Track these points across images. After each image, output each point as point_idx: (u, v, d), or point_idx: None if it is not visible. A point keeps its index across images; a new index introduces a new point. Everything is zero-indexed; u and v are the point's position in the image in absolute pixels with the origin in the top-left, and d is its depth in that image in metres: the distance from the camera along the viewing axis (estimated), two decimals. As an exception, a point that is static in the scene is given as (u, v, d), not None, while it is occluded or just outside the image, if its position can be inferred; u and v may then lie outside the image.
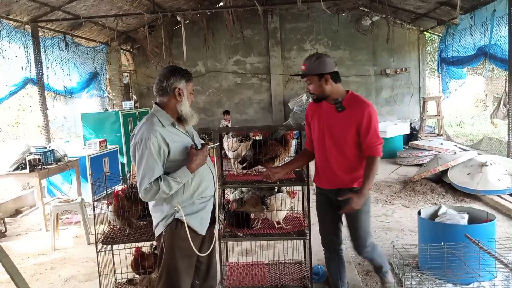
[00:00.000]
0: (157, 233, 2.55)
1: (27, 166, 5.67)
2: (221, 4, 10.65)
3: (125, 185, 3.43)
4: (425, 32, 11.50)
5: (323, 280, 3.64)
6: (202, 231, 2.52)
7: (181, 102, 2.47)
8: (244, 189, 3.53)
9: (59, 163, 6.24)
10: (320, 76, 2.72)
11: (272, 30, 11.65)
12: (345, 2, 10.35)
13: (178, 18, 9.44)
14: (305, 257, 3.73)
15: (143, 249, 3.37)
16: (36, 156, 5.76)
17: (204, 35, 11.45)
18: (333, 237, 3.05)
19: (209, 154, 2.71)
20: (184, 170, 2.38)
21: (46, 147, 6.33)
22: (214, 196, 2.62)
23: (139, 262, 3.25)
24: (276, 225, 3.44)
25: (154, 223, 2.57)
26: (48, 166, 5.98)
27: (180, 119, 2.54)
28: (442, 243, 2.90)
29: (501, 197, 5.70)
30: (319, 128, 2.87)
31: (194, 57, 11.67)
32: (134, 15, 8.73)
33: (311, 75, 2.74)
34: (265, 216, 3.50)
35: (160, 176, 2.36)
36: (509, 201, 5.53)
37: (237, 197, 3.49)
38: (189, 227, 2.44)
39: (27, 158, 5.69)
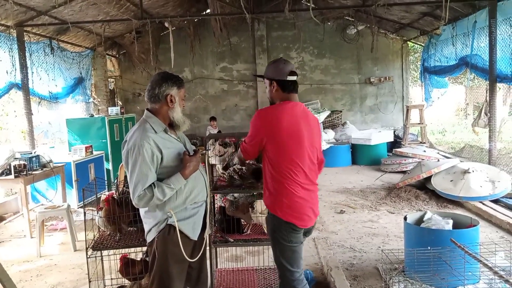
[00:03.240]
0: (149, 239, 2.55)
1: (12, 172, 5.58)
2: (208, 11, 10.70)
3: (115, 191, 3.42)
4: (408, 42, 11.76)
5: (312, 285, 3.68)
6: (195, 236, 2.54)
7: (174, 109, 2.49)
8: (235, 195, 3.56)
9: (44, 169, 6.16)
10: (270, 81, 2.72)
11: (258, 38, 11.75)
12: (331, 12, 10.52)
13: (166, 24, 9.44)
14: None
15: (132, 256, 3.35)
16: (21, 162, 5.68)
17: (191, 42, 11.47)
18: None
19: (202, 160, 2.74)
20: (177, 176, 2.40)
21: (31, 153, 6.24)
22: (205, 201, 2.64)
23: (129, 268, 3.23)
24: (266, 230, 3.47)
25: (146, 229, 2.57)
26: (33, 172, 5.89)
27: (171, 125, 2.56)
28: (429, 248, 2.98)
29: (483, 204, 5.84)
30: None
31: (181, 63, 11.67)
32: (121, 21, 8.70)
33: (266, 78, 2.75)
34: (255, 222, 3.53)
35: (153, 183, 2.36)
36: (491, 207, 5.67)
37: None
38: (181, 232, 2.46)
39: (12, 164, 5.61)
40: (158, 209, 2.46)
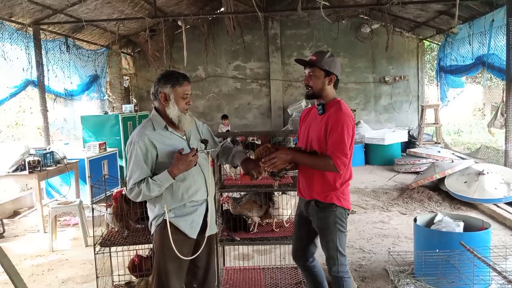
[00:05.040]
0: (151, 232, 2.60)
1: (27, 168, 5.69)
2: (222, 9, 10.72)
3: (123, 188, 3.46)
4: (424, 41, 11.59)
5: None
6: (193, 234, 2.53)
7: (168, 107, 2.49)
8: (241, 193, 3.56)
9: (58, 165, 6.26)
10: (327, 73, 2.66)
11: (272, 36, 11.72)
12: (345, 10, 10.43)
13: (179, 23, 9.49)
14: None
15: (140, 252, 3.39)
16: (36, 158, 5.79)
17: (205, 40, 11.51)
18: (300, 251, 2.93)
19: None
20: (165, 173, 2.41)
21: (45, 149, 6.35)
22: (206, 200, 2.61)
23: (137, 266, 3.28)
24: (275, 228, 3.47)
25: (149, 222, 2.62)
26: (47, 168, 6.00)
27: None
28: (437, 250, 2.93)
29: (498, 206, 5.73)
30: (302, 132, 2.84)
31: (195, 61, 11.72)
32: (135, 19, 8.78)
33: (320, 68, 2.65)
34: (261, 221, 3.52)
35: (144, 178, 2.42)
36: (505, 210, 5.56)
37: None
38: (178, 229, 2.48)
39: (27, 160, 5.71)
40: (156, 204, 2.51)
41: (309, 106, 2.96)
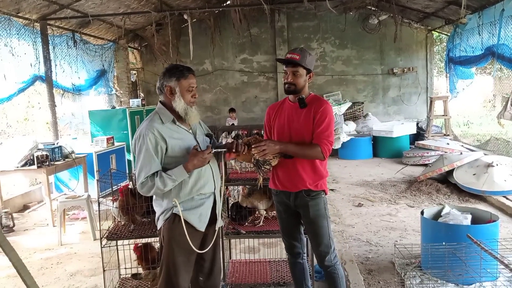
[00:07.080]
0: (158, 227, 2.61)
1: (35, 162, 5.73)
2: (228, 2, 10.69)
3: (129, 182, 3.48)
4: (433, 32, 11.43)
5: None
6: (201, 227, 2.55)
7: (175, 100, 2.50)
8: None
9: (66, 159, 6.31)
10: (308, 71, 2.77)
11: (279, 29, 11.65)
12: (352, 1, 10.33)
13: (186, 16, 9.48)
14: (307, 255, 3.74)
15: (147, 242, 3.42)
16: (44, 153, 5.83)
17: (211, 34, 11.48)
18: (294, 243, 2.99)
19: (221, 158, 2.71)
20: (180, 168, 2.42)
21: (54, 144, 6.40)
22: (214, 193, 2.63)
23: (142, 250, 3.31)
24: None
25: (156, 217, 2.62)
26: (56, 163, 6.04)
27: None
28: (443, 243, 2.91)
29: (507, 198, 5.68)
30: (279, 126, 2.84)
31: (201, 55, 11.70)
32: (141, 13, 8.78)
33: (303, 67, 2.74)
34: (267, 214, 3.53)
35: (157, 172, 2.41)
36: (515, 202, 5.50)
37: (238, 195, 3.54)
38: (187, 222, 2.48)
39: (35, 154, 5.76)
40: (164, 198, 2.51)
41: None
